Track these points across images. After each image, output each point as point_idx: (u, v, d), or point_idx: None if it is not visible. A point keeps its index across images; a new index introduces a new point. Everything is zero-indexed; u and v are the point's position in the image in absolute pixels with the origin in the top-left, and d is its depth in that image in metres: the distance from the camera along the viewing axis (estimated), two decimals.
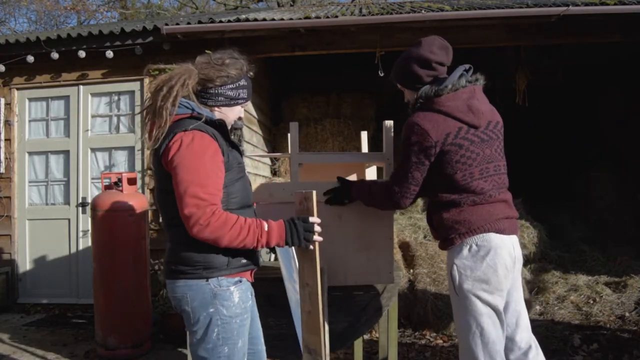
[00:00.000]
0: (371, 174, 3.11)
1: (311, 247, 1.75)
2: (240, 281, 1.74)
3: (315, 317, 1.80)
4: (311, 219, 1.73)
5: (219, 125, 1.71)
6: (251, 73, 1.84)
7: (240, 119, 1.87)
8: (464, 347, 1.98)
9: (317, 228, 1.75)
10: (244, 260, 1.74)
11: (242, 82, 1.79)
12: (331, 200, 2.31)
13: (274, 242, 1.68)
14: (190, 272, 1.67)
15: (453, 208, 1.96)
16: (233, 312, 1.70)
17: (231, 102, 1.78)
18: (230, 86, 1.76)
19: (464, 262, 1.93)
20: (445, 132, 1.89)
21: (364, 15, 4.96)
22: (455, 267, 1.95)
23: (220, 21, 4.71)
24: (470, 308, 1.93)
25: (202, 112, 1.69)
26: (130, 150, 5.04)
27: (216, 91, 1.75)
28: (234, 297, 1.71)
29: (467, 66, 2.02)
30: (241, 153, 1.83)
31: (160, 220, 1.80)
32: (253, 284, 1.85)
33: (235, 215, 1.63)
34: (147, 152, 4.88)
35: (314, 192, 1.77)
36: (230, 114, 1.82)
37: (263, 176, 5.90)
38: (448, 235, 1.98)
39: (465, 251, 1.94)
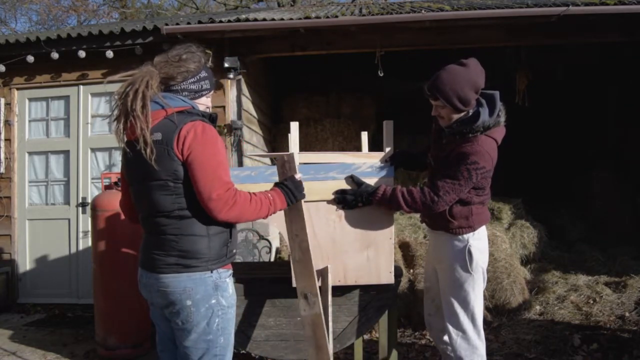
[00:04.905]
0: None
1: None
2: (231, 272, 1.82)
3: (305, 263, 1.98)
4: (296, 176, 1.93)
5: (211, 119, 1.80)
6: (210, 63, 1.89)
7: (208, 108, 1.92)
8: (466, 316, 2.29)
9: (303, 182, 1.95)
10: (234, 250, 1.82)
11: (203, 74, 1.84)
12: (343, 203, 2.30)
13: (279, 207, 1.84)
14: (195, 265, 1.69)
15: (479, 205, 2.33)
16: (229, 303, 1.77)
17: (196, 95, 1.83)
18: (192, 80, 1.81)
19: (479, 244, 2.32)
20: (496, 157, 2.25)
21: (364, 15, 4.95)
22: (473, 247, 2.29)
23: (220, 21, 4.70)
24: (479, 282, 2.31)
25: (193, 105, 1.78)
26: None
27: (179, 87, 1.79)
28: (229, 288, 1.78)
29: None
30: None
31: (144, 215, 1.80)
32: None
33: (245, 192, 1.74)
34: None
35: (295, 153, 2.02)
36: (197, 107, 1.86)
37: None
38: (468, 224, 2.30)
39: (479, 236, 2.33)
